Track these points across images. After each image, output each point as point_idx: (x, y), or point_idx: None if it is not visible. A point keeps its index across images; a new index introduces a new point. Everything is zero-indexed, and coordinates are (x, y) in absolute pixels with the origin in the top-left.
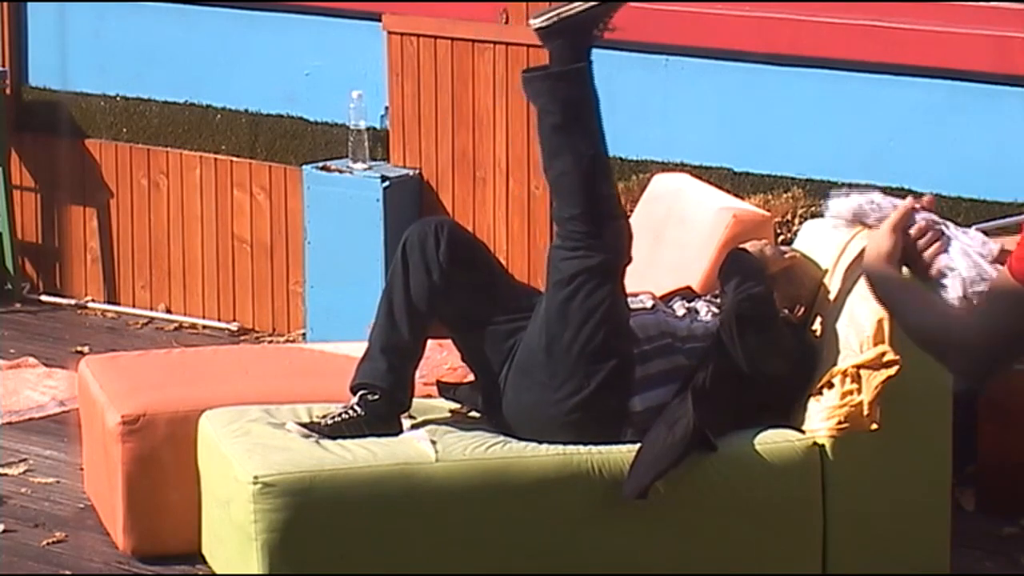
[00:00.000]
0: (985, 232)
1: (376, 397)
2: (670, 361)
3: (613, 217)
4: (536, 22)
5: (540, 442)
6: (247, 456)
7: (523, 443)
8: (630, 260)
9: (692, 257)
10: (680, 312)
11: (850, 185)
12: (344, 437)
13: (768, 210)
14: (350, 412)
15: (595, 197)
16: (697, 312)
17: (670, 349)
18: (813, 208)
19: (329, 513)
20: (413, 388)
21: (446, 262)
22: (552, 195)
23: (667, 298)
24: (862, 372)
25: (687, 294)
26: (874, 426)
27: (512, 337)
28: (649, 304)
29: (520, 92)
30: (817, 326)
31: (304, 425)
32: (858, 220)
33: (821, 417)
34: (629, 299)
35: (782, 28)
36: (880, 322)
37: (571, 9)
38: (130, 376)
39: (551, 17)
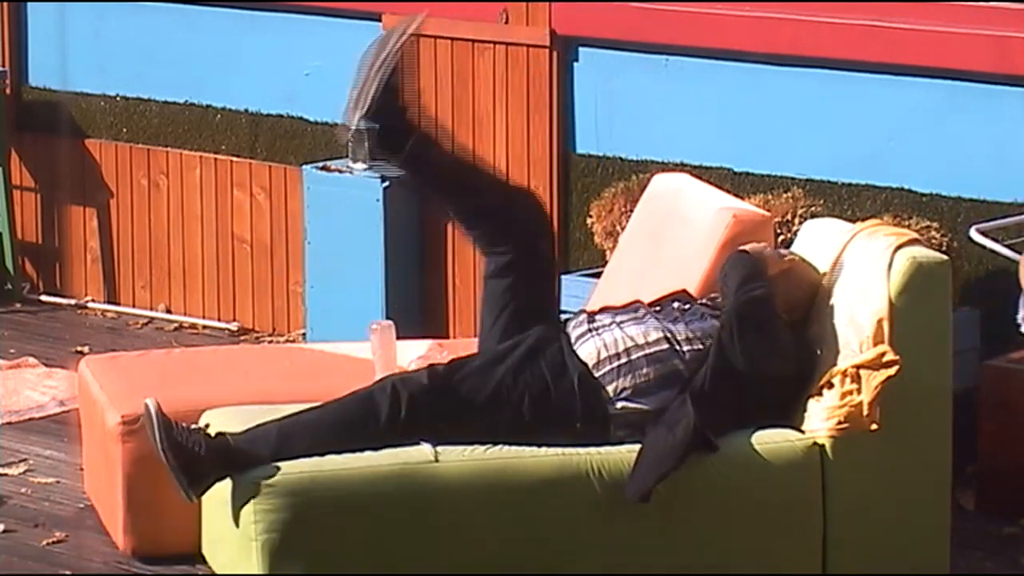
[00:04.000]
0: (984, 232)
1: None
2: (667, 365)
3: None
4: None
5: (539, 444)
6: None
7: (523, 443)
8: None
9: (692, 257)
10: (675, 316)
11: (850, 185)
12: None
13: (768, 210)
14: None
15: None
16: (694, 315)
17: (668, 354)
18: (813, 208)
19: (329, 513)
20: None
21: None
22: None
23: (660, 303)
24: (862, 372)
25: (682, 297)
26: (874, 426)
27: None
28: (641, 313)
29: (520, 92)
30: (817, 326)
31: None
32: None
33: (821, 417)
34: (620, 310)
35: (782, 28)
36: (880, 322)
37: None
38: (130, 376)
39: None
